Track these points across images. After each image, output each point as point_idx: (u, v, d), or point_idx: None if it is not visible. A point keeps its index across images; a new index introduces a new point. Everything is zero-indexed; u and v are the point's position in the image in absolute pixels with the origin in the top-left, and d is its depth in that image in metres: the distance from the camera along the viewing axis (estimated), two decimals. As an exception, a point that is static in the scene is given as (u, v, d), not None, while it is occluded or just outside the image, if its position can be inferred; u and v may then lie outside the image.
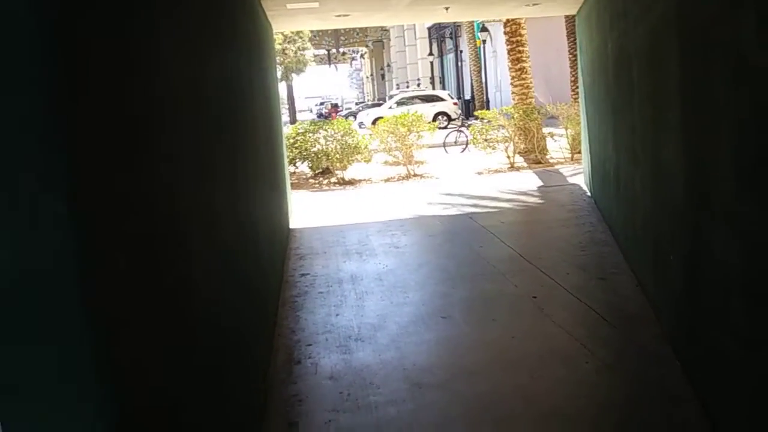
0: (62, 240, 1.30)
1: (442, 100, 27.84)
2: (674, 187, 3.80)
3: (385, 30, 47.84)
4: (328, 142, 12.42)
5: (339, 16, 9.08)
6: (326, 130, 12.55)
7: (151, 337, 1.72)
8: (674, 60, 3.73)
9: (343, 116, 29.20)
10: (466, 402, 3.59)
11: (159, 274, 1.86)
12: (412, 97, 28.32)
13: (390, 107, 27.15)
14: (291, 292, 5.63)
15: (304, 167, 12.92)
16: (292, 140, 12.32)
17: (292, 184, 11.34)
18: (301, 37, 28.75)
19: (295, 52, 28.72)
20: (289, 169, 11.35)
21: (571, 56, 17.94)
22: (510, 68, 14.68)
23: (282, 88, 33.49)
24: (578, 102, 10.50)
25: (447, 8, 9.35)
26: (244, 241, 3.71)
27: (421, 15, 11.30)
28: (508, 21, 14.50)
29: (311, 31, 33.78)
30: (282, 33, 26.92)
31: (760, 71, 2.49)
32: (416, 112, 13.62)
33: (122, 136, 1.68)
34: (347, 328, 4.68)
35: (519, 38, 14.43)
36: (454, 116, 26.08)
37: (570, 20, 16.73)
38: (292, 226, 8.36)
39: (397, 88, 43.48)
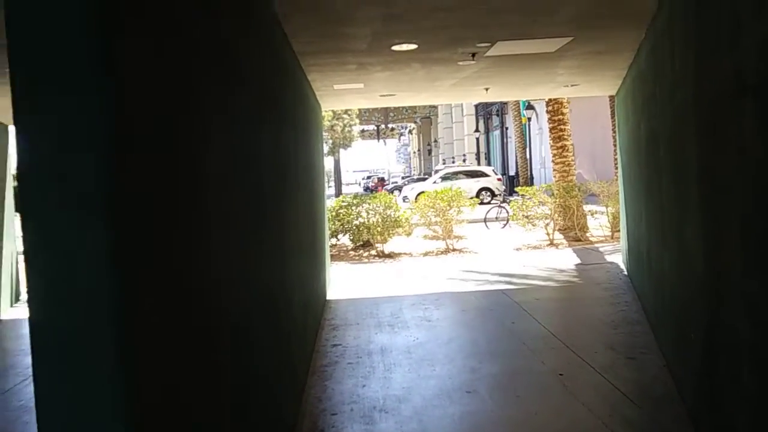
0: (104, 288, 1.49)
1: (486, 175, 28.11)
2: (695, 265, 3.86)
3: (433, 107, 48.97)
4: (369, 215, 12.69)
5: (384, 95, 9.49)
6: (368, 203, 12.85)
7: (182, 393, 1.88)
8: (692, 142, 3.86)
9: (389, 190, 29.73)
10: (483, 477, 3.61)
11: (195, 328, 2.04)
12: (457, 173, 28.68)
13: (434, 182, 27.55)
14: (321, 362, 5.75)
15: (345, 239, 13.18)
16: (334, 213, 12.63)
17: (332, 256, 11.59)
18: (348, 115, 29.69)
19: (343, 129, 29.60)
20: (330, 241, 11.64)
21: (614, 134, 18.11)
22: (552, 146, 14.90)
23: (329, 162, 34.39)
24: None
25: (487, 89, 9.69)
26: (274, 310, 3.88)
27: (462, 95, 11.67)
28: (550, 100, 14.82)
29: (361, 108, 34.86)
30: (332, 110, 27.87)
31: (758, 160, 2.61)
32: (459, 187, 13.88)
33: (178, 201, 1.90)
34: (373, 399, 4.75)
35: (561, 117, 14.70)
36: (497, 192, 26.25)
37: (613, 99, 16.99)
38: (329, 297, 8.53)
39: (443, 163, 44.12)
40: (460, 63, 7.22)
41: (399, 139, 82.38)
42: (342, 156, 36.36)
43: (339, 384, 5.16)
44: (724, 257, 3.22)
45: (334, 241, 12.70)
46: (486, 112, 40.77)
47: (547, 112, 15.07)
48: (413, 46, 6.17)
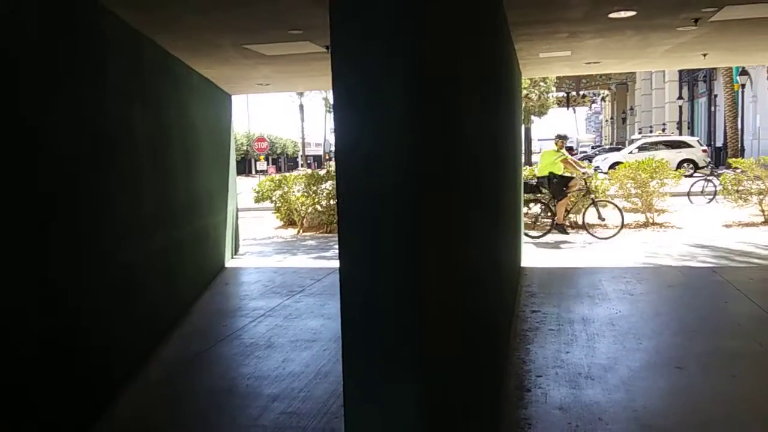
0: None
1: (689, 146, 26.26)
2: None
3: (631, 73, 46.30)
4: (563, 186, 12.49)
5: (589, 63, 9.27)
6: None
7: (446, 332, 2.15)
8: None
9: (578, 159, 28.77)
10: (698, 452, 3.59)
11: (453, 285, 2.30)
12: (656, 143, 27.10)
13: (630, 152, 26.28)
14: (522, 326, 5.91)
15: (536, 208, 13.10)
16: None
17: (525, 225, 11.61)
18: (545, 82, 28.94)
19: (539, 96, 28.97)
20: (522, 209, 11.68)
21: None
22: (772, 116, 13.61)
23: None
24: None
25: (705, 55, 9.09)
26: (497, 275, 4.10)
27: (675, 62, 10.98)
28: (772, 65, 13.52)
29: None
30: (529, 78, 27.36)
31: None
32: (662, 159, 13.18)
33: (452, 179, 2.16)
34: (577, 366, 4.83)
35: (784, 84, 13.36)
36: (701, 164, 24.46)
37: None
38: (523, 264, 8.63)
39: (639, 133, 41.70)
40: (680, 29, 6.88)
41: (590, 107, 78.81)
42: (533, 124, 35.67)
43: (541, 348, 5.30)
44: None
45: (525, 210, 12.68)
46: (691, 78, 37.80)
47: (768, 78, 13.75)
48: (632, 13, 5.99)
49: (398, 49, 1.72)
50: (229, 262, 9.75)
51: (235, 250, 10.46)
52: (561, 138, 11.30)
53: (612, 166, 23.09)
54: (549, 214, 11.33)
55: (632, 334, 5.54)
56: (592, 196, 11.32)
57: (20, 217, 3.70)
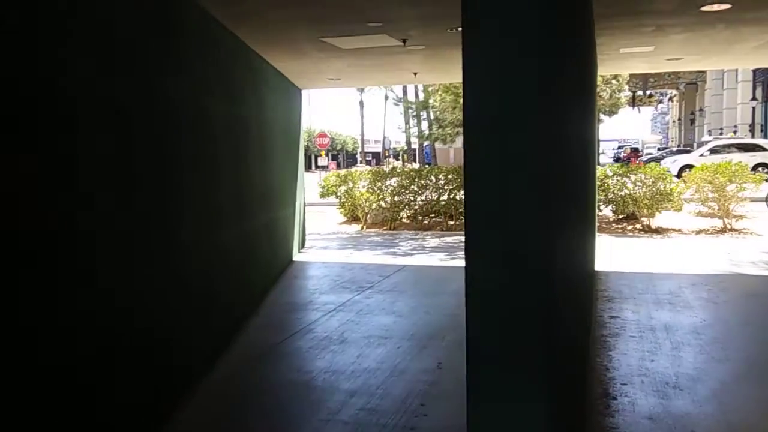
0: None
1: (763, 149, 25.26)
2: None
3: (701, 72, 44.79)
4: (636, 187, 12.14)
5: (670, 59, 8.94)
6: (636, 174, 12.30)
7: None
8: None
9: (643, 162, 27.97)
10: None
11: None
12: (728, 145, 26.18)
13: (701, 155, 25.45)
14: (601, 332, 5.71)
15: (607, 211, 12.79)
16: (599, 183, 12.27)
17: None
18: (617, 80, 28.22)
19: (611, 95, 28.26)
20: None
21: None
22: None
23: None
24: None
25: (794, 52, 8.65)
26: (581, 275, 3.96)
27: (763, 60, 10.48)
28: None
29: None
30: (600, 76, 26.75)
31: None
32: (740, 162, 12.66)
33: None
34: (663, 375, 4.64)
35: None
36: (778, 168, 23.48)
37: None
38: (596, 268, 8.38)
39: (709, 135, 40.38)
40: (775, 24, 6.55)
41: (656, 107, 76.55)
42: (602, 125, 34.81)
43: (624, 356, 5.11)
44: None
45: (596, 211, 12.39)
46: (766, 79, 36.28)
47: None
48: (727, 6, 5.71)
49: (531, 48, 1.64)
50: (297, 256, 9.80)
51: (302, 244, 10.51)
52: None
53: (682, 169, 22.41)
54: None
55: (719, 343, 5.30)
56: None
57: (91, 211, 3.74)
